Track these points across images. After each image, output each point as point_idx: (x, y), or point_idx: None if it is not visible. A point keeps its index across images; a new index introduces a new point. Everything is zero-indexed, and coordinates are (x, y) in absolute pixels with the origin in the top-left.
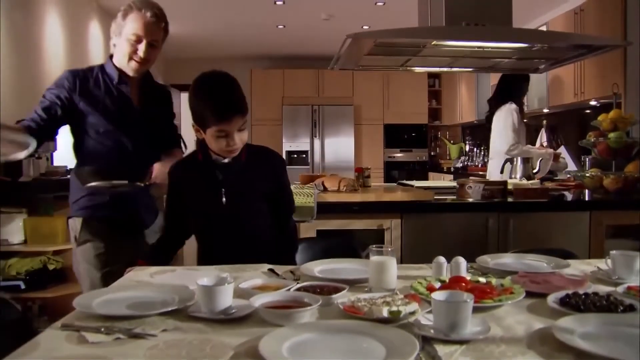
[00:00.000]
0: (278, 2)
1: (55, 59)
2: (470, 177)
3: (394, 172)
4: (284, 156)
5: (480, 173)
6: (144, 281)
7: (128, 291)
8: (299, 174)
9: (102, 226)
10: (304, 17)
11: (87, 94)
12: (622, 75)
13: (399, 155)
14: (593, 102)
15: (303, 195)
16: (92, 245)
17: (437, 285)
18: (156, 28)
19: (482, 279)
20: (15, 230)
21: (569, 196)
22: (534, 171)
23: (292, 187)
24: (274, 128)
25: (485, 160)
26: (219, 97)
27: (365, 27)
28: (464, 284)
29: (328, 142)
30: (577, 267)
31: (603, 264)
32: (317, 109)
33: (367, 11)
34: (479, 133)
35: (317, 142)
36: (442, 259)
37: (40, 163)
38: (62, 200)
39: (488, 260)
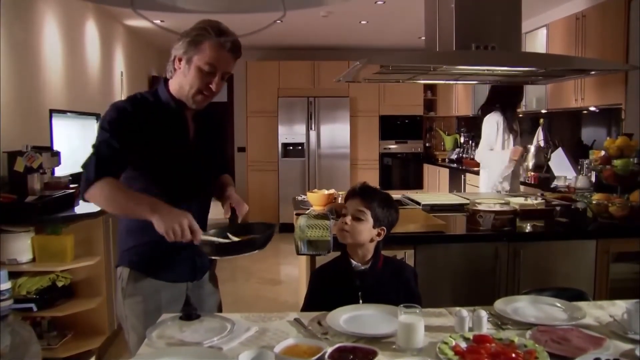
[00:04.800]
0: None
1: (54, 66)
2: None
3: (387, 159)
4: (279, 148)
5: (475, 169)
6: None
7: (164, 357)
8: (306, 191)
9: (153, 281)
10: (303, 13)
11: (144, 125)
12: (624, 83)
13: (394, 147)
14: (592, 108)
15: (318, 228)
16: (140, 299)
17: (463, 344)
18: (233, 60)
19: (504, 336)
20: (24, 249)
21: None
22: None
23: (305, 218)
24: (270, 120)
25: None
26: None
27: (363, 22)
28: (488, 344)
29: (324, 134)
30: (592, 314)
31: (615, 309)
32: (312, 100)
33: (366, 9)
34: (474, 125)
35: (312, 134)
36: (464, 312)
37: (45, 178)
38: (69, 219)
39: (506, 309)
